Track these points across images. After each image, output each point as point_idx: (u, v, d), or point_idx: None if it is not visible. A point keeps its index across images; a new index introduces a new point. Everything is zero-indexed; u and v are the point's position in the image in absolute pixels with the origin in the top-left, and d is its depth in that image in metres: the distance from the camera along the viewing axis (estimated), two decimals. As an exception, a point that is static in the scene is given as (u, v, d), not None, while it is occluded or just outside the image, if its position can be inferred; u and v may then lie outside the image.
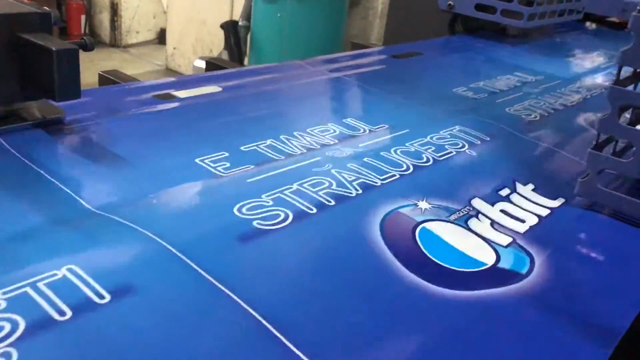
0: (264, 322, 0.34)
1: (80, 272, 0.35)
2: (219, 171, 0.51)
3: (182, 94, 0.69)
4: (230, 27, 2.51)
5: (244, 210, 0.45)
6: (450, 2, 1.21)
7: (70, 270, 0.35)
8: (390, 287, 0.40)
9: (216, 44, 2.86)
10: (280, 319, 0.34)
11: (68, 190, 0.45)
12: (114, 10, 3.43)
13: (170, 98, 0.67)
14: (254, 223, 0.43)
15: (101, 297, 0.33)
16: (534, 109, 0.81)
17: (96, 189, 0.46)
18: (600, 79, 1.02)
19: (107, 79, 0.77)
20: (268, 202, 0.46)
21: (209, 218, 0.44)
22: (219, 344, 0.33)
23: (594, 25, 1.60)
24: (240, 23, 2.50)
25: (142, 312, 0.33)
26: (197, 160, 0.53)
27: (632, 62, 0.50)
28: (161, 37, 3.49)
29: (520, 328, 0.38)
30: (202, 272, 0.37)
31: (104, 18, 3.47)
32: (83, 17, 3.42)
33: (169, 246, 0.39)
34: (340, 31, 2.36)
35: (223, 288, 0.36)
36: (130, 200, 0.45)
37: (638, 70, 0.52)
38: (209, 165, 0.52)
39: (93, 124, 0.58)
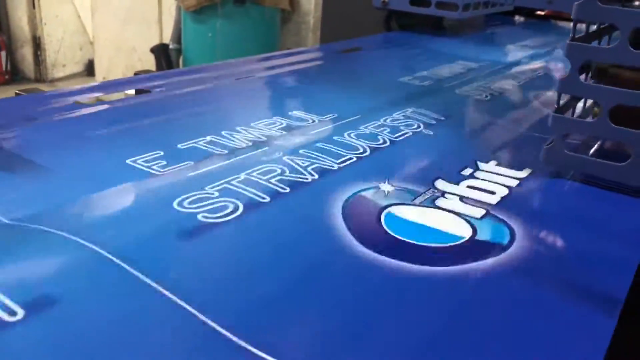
0: (216, 327, 0.28)
1: (-17, 286, 0.28)
2: (154, 169, 0.45)
3: (107, 97, 0.63)
4: (160, 51, 2.45)
5: (185, 204, 0.39)
6: (384, -1, 1.20)
7: (-32, 284, 0.28)
8: (365, 275, 0.35)
9: (148, 70, 2.77)
10: (236, 322, 0.29)
11: None
12: (37, 44, 3.28)
13: (94, 102, 0.61)
14: (199, 217, 0.38)
15: (12, 313, 0.27)
16: (484, 89, 0.79)
17: (9, 199, 0.39)
18: (541, 63, 1.02)
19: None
20: (213, 194, 0.41)
21: (144, 216, 0.38)
22: (167, 355, 0.27)
23: (522, 19, 1.62)
24: (170, 46, 2.44)
25: (69, 326, 0.27)
26: (128, 161, 0.46)
27: (587, 15, 0.47)
28: (89, 69, 3.37)
29: (519, 301, 0.34)
30: (139, 275, 0.31)
31: (27, 52, 3.32)
32: (3, 53, 3.26)
33: (98, 249, 0.33)
34: (274, 48, 2.33)
35: (165, 291, 0.30)
36: (51, 207, 0.38)
37: (602, 26, 0.50)
38: (141, 165, 0.46)
39: (3, 133, 0.51)
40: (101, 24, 3.06)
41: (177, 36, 2.38)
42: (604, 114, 0.47)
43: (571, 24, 0.49)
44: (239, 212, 0.39)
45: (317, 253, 0.37)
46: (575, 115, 0.56)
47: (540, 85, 0.85)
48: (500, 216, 0.43)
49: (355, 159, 0.51)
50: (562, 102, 0.52)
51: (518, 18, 1.61)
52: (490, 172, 0.51)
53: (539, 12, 1.65)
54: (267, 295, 0.32)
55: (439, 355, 0.29)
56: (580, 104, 0.58)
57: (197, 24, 2.25)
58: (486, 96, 0.76)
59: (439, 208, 0.44)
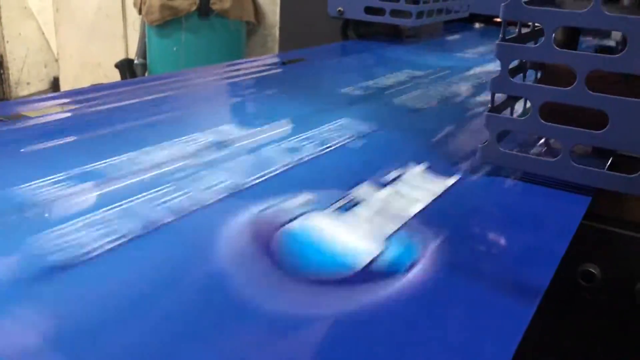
0: None
1: None
2: (42, 195, 0.42)
3: (49, 110, 0.62)
4: (125, 66, 2.43)
5: (58, 234, 0.36)
6: (340, 8, 1.21)
7: None
8: (259, 312, 0.31)
9: (114, 86, 2.75)
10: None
11: None
12: (0, 63, 3.24)
13: (35, 115, 0.60)
14: (70, 250, 0.34)
15: None
16: (423, 97, 0.79)
17: None
18: (490, 68, 1.04)
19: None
20: (100, 222, 0.38)
21: (9, 250, 0.35)
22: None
23: (481, 25, 1.65)
24: (136, 61, 2.43)
25: None
26: (15, 188, 0.43)
27: (513, 15, 0.49)
28: (55, 86, 3.33)
29: (437, 295, 0.34)
30: None
31: (-11, 71, 3.27)
32: (-35, 73, 3.20)
33: None
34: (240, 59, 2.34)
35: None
36: None
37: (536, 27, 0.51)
38: (31, 191, 0.42)
39: None
40: (66, 41, 3.04)
41: (142, 51, 2.38)
42: (535, 110, 0.49)
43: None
44: (122, 241, 0.36)
45: (193, 290, 0.33)
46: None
47: (483, 91, 0.85)
48: (418, 227, 0.42)
49: (273, 174, 0.49)
50: (498, 102, 0.53)
51: (478, 25, 1.64)
52: (416, 180, 0.50)
53: (497, 19, 1.68)
54: (131, 340, 0.28)
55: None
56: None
57: (161, 38, 2.25)
58: (425, 104, 0.76)
59: (352, 220, 0.42)
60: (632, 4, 0.57)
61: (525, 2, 0.47)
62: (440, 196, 0.47)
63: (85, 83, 2.98)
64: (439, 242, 0.40)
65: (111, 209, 0.40)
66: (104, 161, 0.49)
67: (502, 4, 0.49)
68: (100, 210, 0.40)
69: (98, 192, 0.43)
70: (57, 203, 0.41)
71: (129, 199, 0.42)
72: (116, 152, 0.51)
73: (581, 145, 0.52)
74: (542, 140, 0.59)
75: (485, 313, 0.33)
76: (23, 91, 3.32)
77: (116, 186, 0.45)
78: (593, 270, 0.49)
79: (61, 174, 0.46)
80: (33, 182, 0.44)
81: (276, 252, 0.37)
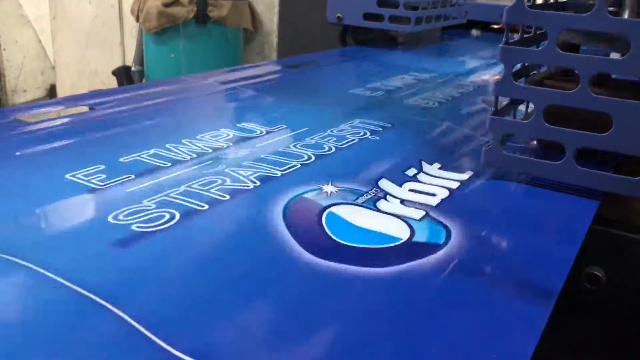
0: (146, 332, 0.28)
1: None
2: (94, 183, 0.45)
3: (48, 115, 0.62)
4: (122, 73, 2.43)
5: (120, 217, 0.39)
6: (339, 15, 1.21)
7: None
8: (296, 276, 0.35)
9: (111, 93, 2.74)
10: (164, 327, 0.28)
11: None
12: (-4, 71, 3.23)
13: (33, 120, 0.60)
14: (133, 227, 0.37)
15: None
16: (432, 97, 0.80)
17: None
18: (491, 73, 1.04)
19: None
20: (150, 206, 0.40)
21: (77, 230, 0.38)
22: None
23: (478, 32, 1.66)
24: (133, 68, 2.43)
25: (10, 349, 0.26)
26: (67, 175, 0.46)
27: (516, 18, 0.49)
28: (52, 94, 3.33)
29: (450, 297, 0.34)
30: (68, 284, 0.31)
31: (-14, 79, 3.26)
32: (-38, 81, 3.19)
33: (27, 263, 0.32)
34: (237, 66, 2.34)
35: (95, 298, 0.30)
36: None
37: (538, 30, 0.52)
38: (81, 179, 0.45)
39: None
40: (62, 48, 3.04)
41: (140, 58, 2.38)
42: (538, 114, 0.49)
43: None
44: (174, 221, 0.39)
45: (253, 256, 0.37)
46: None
47: (486, 92, 0.87)
48: (439, 218, 0.43)
49: (299, 165, 0.51)
50: (501, 105, 0.53)
51: (475, 31, 1.64)
52: (433, 175, 0.52)
53: (494, 26, 1.69)
54: (199, 300, 0.32)
55: (376, 355, 0.29)
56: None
57: (159, 45, 2.25)
58: (433, 103, 0.77)
59: (380, 210, 0.44)
60: (631, 17, 0.57)
61: (528, 6, 0.47)
62: (454, 193, 0.48)
63: (82, 90, 2.98)
64: (455, 236, 0.41)
65: (159, 197, 0.42)
66: (136, 154, 0.51)
67: (506, 8, 0.49)
68: (153, 197, 0.42)
69: (142, 185, 0.45)
70: (112, 190, 0.44)
71: (167, 191, 0.44)
72: (143, 147, 0.52)
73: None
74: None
75: (501, 317, 0.33)
76: (19, 99, 3.31)
77: (155, 180, 0.46)
78: (598, 274, 0.49)
79: (99, 166, 0.47)
80: (79, 172, 0.46)
81: (324, 228, 0.40)
